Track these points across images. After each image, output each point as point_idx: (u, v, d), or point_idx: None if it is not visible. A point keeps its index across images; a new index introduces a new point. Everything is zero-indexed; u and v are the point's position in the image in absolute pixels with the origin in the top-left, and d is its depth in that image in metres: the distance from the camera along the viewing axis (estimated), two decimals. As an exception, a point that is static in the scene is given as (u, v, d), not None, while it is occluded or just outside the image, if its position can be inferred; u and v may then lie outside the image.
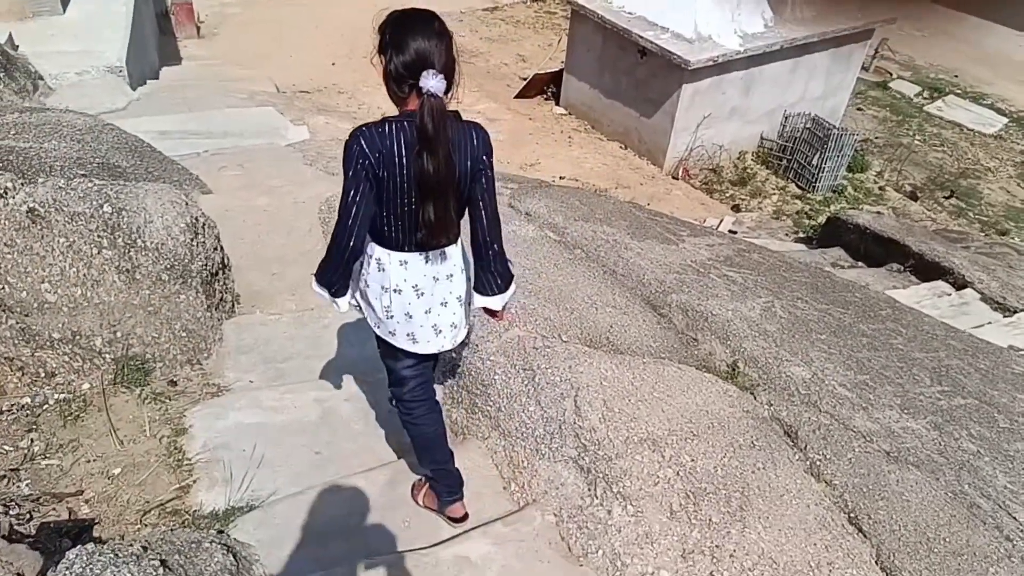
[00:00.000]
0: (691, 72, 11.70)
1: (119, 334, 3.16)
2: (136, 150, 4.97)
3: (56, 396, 2.98)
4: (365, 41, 15.42)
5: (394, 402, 2.52)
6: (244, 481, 2.78)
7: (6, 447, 2.74)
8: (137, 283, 3.29)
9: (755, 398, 3.83)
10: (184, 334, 3.35)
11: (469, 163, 2.07)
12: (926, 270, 7.49)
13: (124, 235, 3.35)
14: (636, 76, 12.70)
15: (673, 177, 12.56)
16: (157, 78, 12.26)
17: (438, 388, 3.19)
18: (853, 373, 4.58)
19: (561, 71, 14.11)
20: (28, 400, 2.93)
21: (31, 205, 3.15)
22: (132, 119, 8.72)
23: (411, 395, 2.44)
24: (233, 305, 4.04)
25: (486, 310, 2.36)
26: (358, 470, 2.84)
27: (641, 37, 12.16)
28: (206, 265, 3.66)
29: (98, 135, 4.78)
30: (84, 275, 3.16)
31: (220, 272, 3.94)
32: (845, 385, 4.43)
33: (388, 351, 2.38)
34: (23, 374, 2.97)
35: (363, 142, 1.98)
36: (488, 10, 17.47)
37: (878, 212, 11.24)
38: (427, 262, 2.17)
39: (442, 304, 2.26)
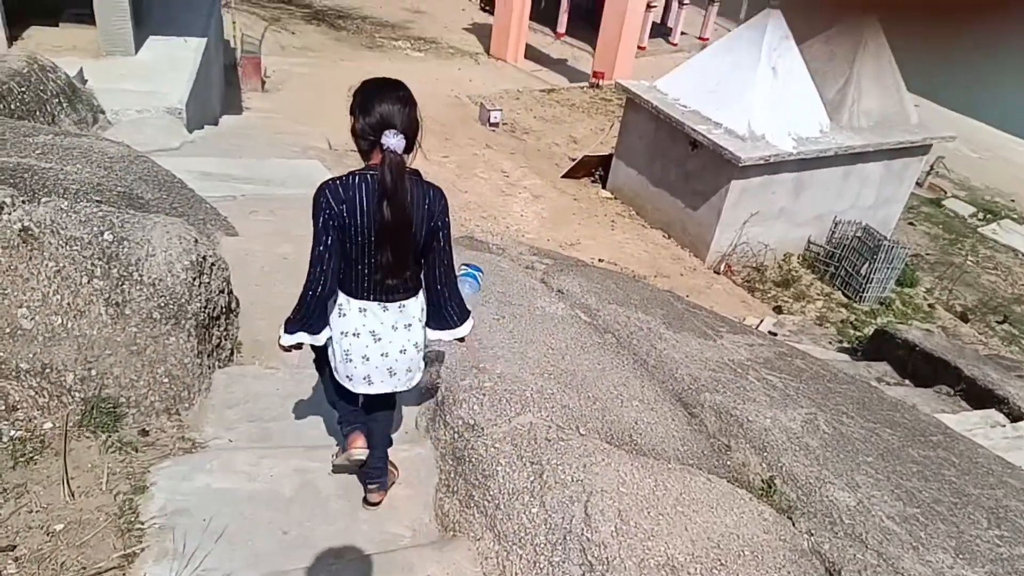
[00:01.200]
0: (741, 169, 11.48)
1: (94, 372, 2.85)
2: (164, 184, 4.79)
3: (12, 433, 2.66)
4: (423, 111, 15.59)
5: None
6: (196, 557, 2.39)
7: (-58, 486, 2.41)
8: (125, 319, 3.00)
9: (793, 524, 3.34)
10: (166, 379, 3.03)
11: (425, 217, 2.26)
12: (978, 396, 6.91)
13: (120, 266, 3.08)
14: (686, 167, 12.52)
15: (715, 271, 12.19)
16: (216, 124, 12.44)
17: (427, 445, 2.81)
18: (902, 504, 4.06)
19: (611, 155, 14.02)
20: (-20, 435, 2.61)
21: (26, 224, 2.91)
22: (179, 158, 8.73)
23: (348, 428, 2.65)
24: (232, 353, 3.73)
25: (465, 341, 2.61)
26: (328, 560, 2.43)
27: (694, 130, 12.04)
28: (205, 308, 3.36)
29: (128, 165, 4.63)
30: (68, 304, 2.88)
31: (223, 317, 3.65)
32: (894, 518, 3.91)
33: (340, 392, 2.61)
34: (-20, 405, 2.66)
35: (328, 194, 2.18)
36: (545, 91, 17.65)
37: (927, 330, 10.67)
38: (385, 311, 2.37)
39: (400, 351, 2.46)
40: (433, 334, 2.56)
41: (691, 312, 6.45)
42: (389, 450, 2.77)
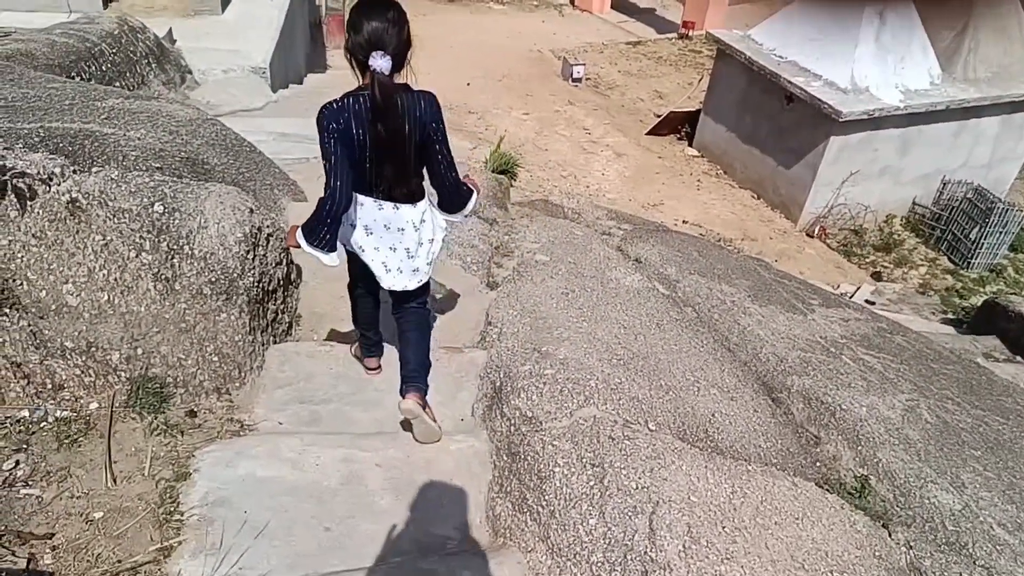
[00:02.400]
0: (841, 124, 10.62)
1: (140, 351, 2.73)
2: (232, 148, 4.67)
3: (58, 413, 2.57)
4: (502, 65, 15.35)
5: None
6: (233, 553, 2.24)
7: (-13, 467, 2.34)
8: (174, 294, 2.86)
9: (889, 535, 2.96)
10: (216, 358, 2.89)
11: (416, 126, 2.38)
12: (1107, 380, 6.16)
13: (170, 239, 2.93)
14: (779, 123, 11.71)
15: (808, 234, 11.44)
16: (301, 83, 12.42)
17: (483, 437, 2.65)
18: (1015, 508, 3.60)
19: (698, 111, 13.29)
20: (26, 413, 2.54)
21: (74, 195, 2.79)
22: (259, 119, 8.70)
23: (356, 286, 2.96)
24: (291, 327, 3.59)
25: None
26: (369, 562, 2.25)
27: (790, 83, 11.20)
28: (259, 282, 3.20)
29: (195, 128, 4.51)
30: (115, 279, 2.76)
31: (280, 289, 3.49)
32: (1005, 525, 3.46)
33: (357, 315, 3.02)
34: (28, 383, 2.58)
35: (327, 113, 2.32)
36: (631, 44, 16.87)
37: (1045, 301, 9.70)
38: (379, 209, 2.55)
39: (391, 249, 2.65)
40: (449, 217, 2.78)
41: (780, 282, 5.96)
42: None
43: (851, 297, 9.32)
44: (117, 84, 8.67)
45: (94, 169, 3.00)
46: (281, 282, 3.50)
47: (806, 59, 11.56)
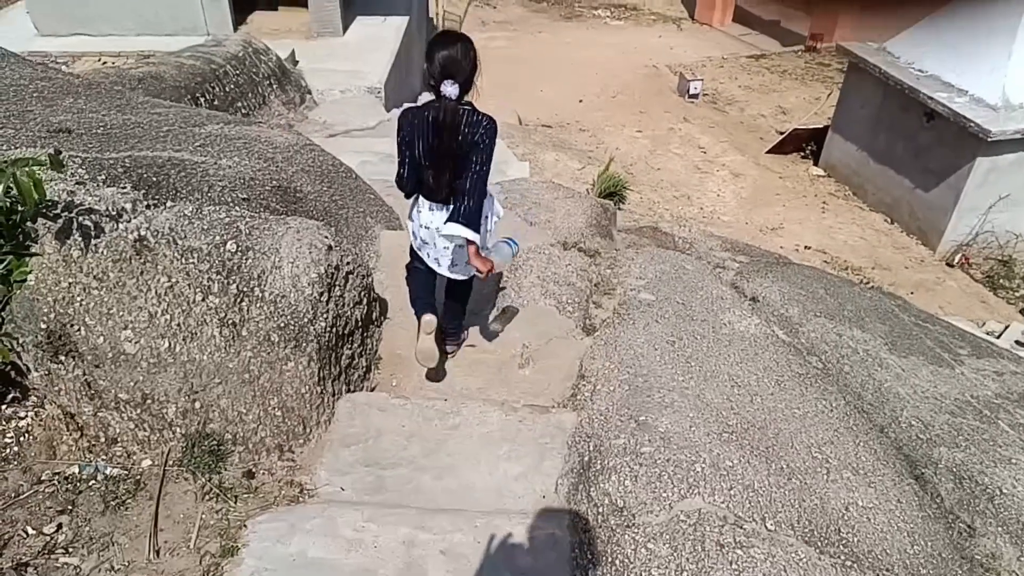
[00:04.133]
0: (990, 144, 9.47)
1: (199, 404, 2.49)
2: (327, 175, 4.48)
3: (108, 470, 2.36)
4: (616, 81, 14.85)
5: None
6: (270, 656, 1.93)
7: (30, 529, 2.14)
8: (239, 341, 2.62)
9: None
10: (279, 412, 2.62)
11: (468, 138, 2.64)
12: None
13: (240, 280, 2.70)
14: (918, 142, 10.60)
15: (948, 264, 10.26)
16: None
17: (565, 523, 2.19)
18: None
19: (825, 128, 12.28)
20: (76, 470, 2.34)
21: (143, 233, 2.60)
22: (370, 138, 8.65)
23: (414, 265, 3.30)
24: (368, 371, 3.30)
25: (471, 261, 2.80)
26: None
27: (931, 99, 10.11)
28: (333, 326, 2.92)
29: (292, 155, 4.35)
30: (178, 325, 2.54)
31: (358, 331, 3.21)
32: None
33: (413, 293, 3.31)
34: (81, 435, 2.39)
35: (403, 116, 2.74)
36: (753, 57, 15.95)
37: None
38: (431, 210, 2.89)
39: (434, 246, 2.99)
40: (448, 230, 2.79)
41: (922, 327, 5.19)
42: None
43: (999, 337, 8.20)
44: (239, 104, 8.87)
45: (169, 204, 2.82)
46: (360, 323, 3.22)
47: (949, 73, 10.43)
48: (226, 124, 4.44)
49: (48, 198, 2.46)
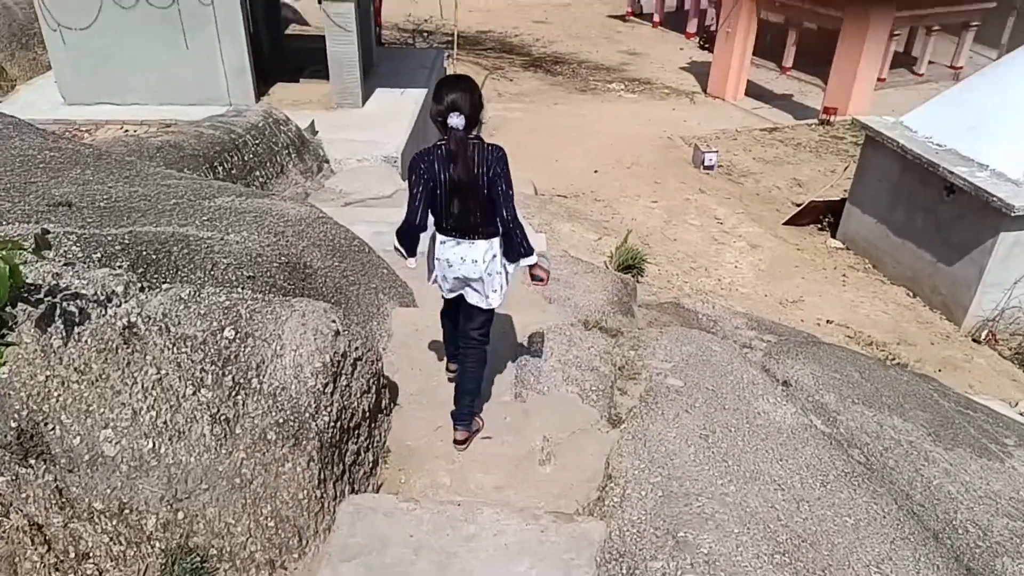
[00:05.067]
0: (1014, 219, 9.23)
1: (182, 515, 2.20)
2: (339, 249, 4.27)
3: (76, 591, 2.05)
4: (631, 152, 14.84)
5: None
6: None
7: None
8: (233, 440, 2.34)
9: None
10: (272, 523, 2.32)
11: (484, 171, 2.82)
12: None
13: (237, 371, 2.44)
14: (938, 215, 10.37)
15: (974, 340, 9.88)
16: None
17: None
18: None
19: (842, 200, 12.10)
20: (39, 591, 2.03)
21: (132, 319, 2.36)
22: (385, 208, 8.52)
23: (446, 311, 3.41)
24: (375, 466, 3.00)
25: (532, 277, 3.07)
26: None
27: (950, 172, 9.92)
28: (338, 420, 2.64)
29: (304, 229, 4.15)
30: (164, 422, 2.27)
31: (365, 423, 2.92)
32: None
33: (446, 341, 3.57)
34: (49, 550, 2.09)
35: (416, 157, 2.94)
36: (767, 130, 15.94)
37: None
38: (456, 244, 2.99)
39: (466, 277, 3.03)
40: (509, 266, 3.07)
41: (963, 413, 4.83)
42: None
43: (1036, 419, 7.76)
44: (257, 172, 8.81)
45: (165, 286, 2.58)
46: (367, 414, 2.93)
47: (968, 147, 10.27)
48: (238, 196, 4.26)
49: (30, 281, 2.23)
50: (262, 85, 11.39)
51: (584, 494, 2.89)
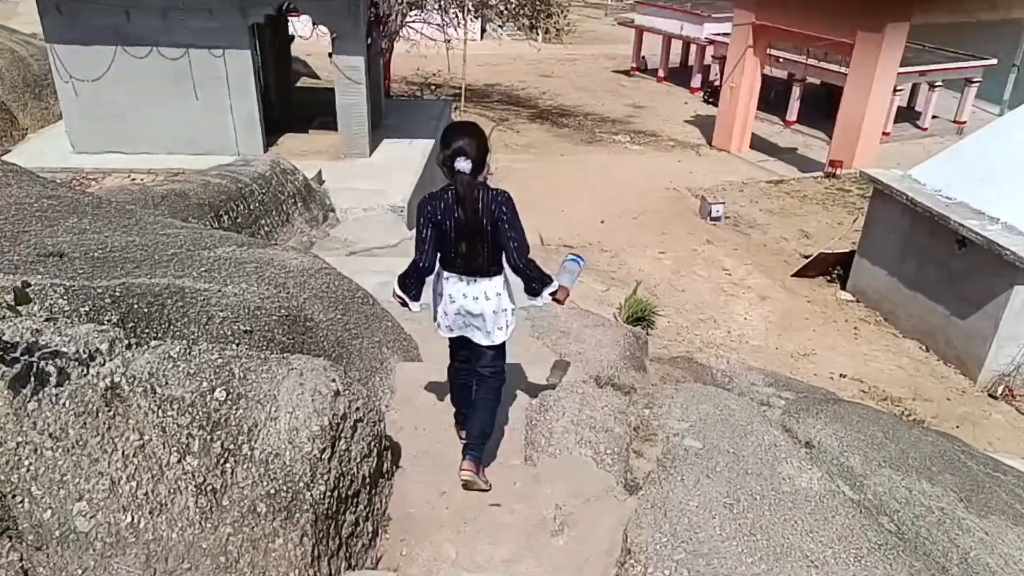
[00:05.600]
0: (1028, 272, 9.05)
1: (159, 598, 1.98)
2: (342, 301, 4.11)
3: None
4: (637, 203, 14.82)
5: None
6: None
7: None
8: (219, 513, 2.13)
9: None
10: (259, 606, 2.09)
11: (488, 213, 2.84)
12: None
13: (227, 436, 2.25)
14: (950, 268, 10.21)
15: (991, 395, 9.61)
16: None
17: None
18: None
19: (851, 252, 11.98)
20: None
21: (116, 379, 2.18)
22: (390, 257, 8.39)
23: (455, 368, 3.36)
24: (374, 538, 2.77)
25: (556, 298, 3.06)
26: None
27: (962, 225, 9.80)
28: (335, 488, 2.44)
29: (305, 280, 4.00)
30: (145, 494, 2.07)
31: (365, 490, 2.71)
32: None
33: (452, 395, 3.47)
34: (8, 641, 1.87)
35: (424, 200, 2.92)
36: (773, 183, 15.94)
37: None
38: (461, 281, 2.99)
39: (469, 313, 3.03)
40: (527, 301, 3.10)
41: (992, 477, 4.58)
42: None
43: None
44: (263, 221, 8.72)
45: (153, 343, 2.41)
46: (367, 480, 2.72)
47: (978, 200, 10.18)
48: (239, 247, 4.12)
49: (7, 339, 2.06)
50: (271, 135, 11.43)
51: (601, 571, 2.65)
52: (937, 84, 18.69)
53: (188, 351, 2.40)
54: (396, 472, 3.14)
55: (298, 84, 16.55)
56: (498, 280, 2.99)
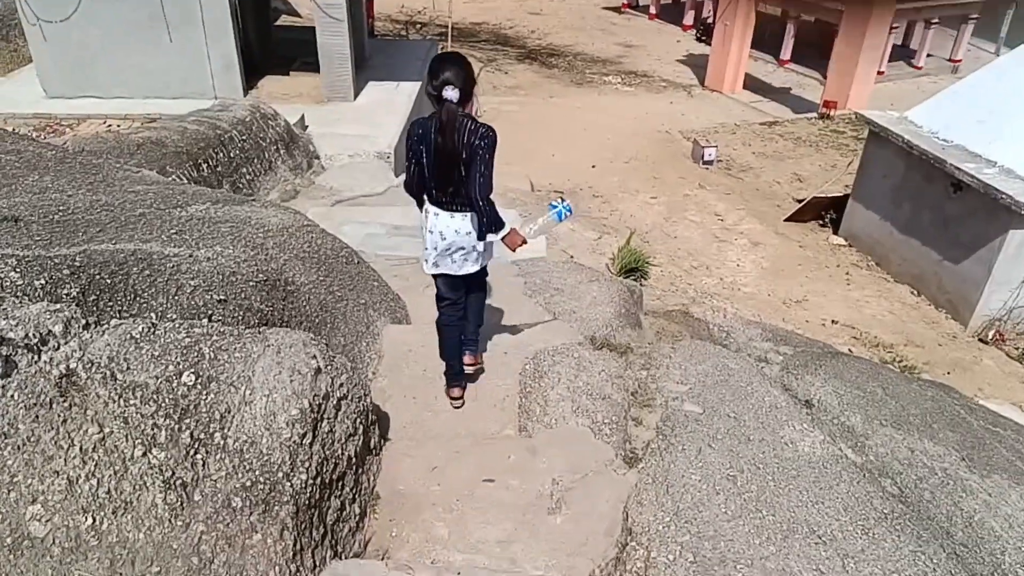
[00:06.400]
0: (1023, 216, 8.87)
1: (127, 605, 1.81)
2: (326, 261, 3.86)
3: None
4: (629, 146, 14.42)
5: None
6: None
7: None
8: (190, 509, 1.95)
9: None
10: (238, 608, 1.93)
11: (469, 144, 2.89)
12: None
13: (197, 425, 2.05)
14: (944, 212, 10.02)
15: (981, 340, 9.55)
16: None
17: None
18: None
19: (844, 196, 11.74)
20: None
21: (72, 365, 1.96)
22: (377, 208, 8.10)
23: (443, 307, 3.34)
24: (362, 519, 2.61)
25: (505, 242, 3.14)
26: None
27: (958, 168, 9.56)
28: (318, 475, 2.26)
29: (286, 239, 3.74)
30: (107, 492, 1.88)
31: (351, 471, 2.54)
32: None
33: (434, 280, 3.34)
34: (-39, 655, 1.70)
35: (413, 124, 3.03)
36: (766, 124, 15.55)
37: None
38: (450, 216, 3.07)
39: (459, 247, 3.12)
40: (488, 239, 3.16)
41: (992, 432, 4.48)
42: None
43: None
44: (244, 170, 8.36)
45: (114, 322, 2.18)
46: (353, 460, 2.55)
47: (976, 143, 9.90)
48: (213, 204, 3.85)
49: (-58, 325, 1.83)
50: (251, 78, 10.92)
51: (600, 551, 2.51)
52: (933, 21, 18.12)
53: (152, 330, 2.18)
54: (384, 446, 2.97)
55: (278, 22, 15.84)
56: (471, 214, 3.05)
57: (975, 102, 10.28)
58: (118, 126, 9.34)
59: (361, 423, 2.64)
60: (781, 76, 18.54)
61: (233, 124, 8.46)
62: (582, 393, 3.30)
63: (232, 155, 8.27)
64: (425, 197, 3.09)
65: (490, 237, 3.11)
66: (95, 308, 2.47)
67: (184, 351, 2.16)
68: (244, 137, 8.56)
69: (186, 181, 6.88)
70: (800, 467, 3.20)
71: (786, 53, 18.69)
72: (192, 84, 10.14)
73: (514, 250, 3.17)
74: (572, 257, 6.98)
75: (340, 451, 2.44)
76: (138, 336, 2.14)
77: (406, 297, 4.36)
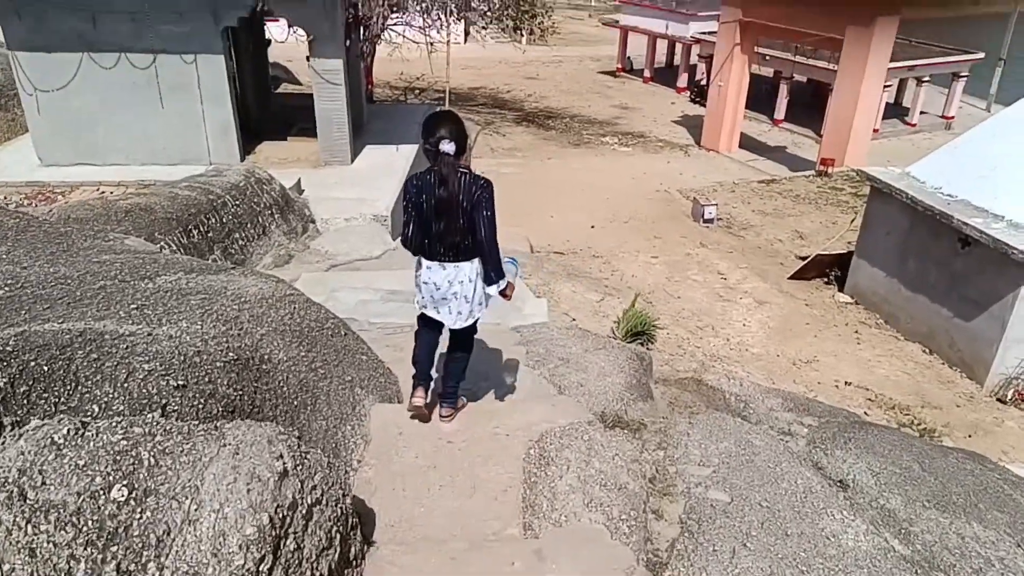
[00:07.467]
0: (1036, 271, 8.55)
1: None
2: (308, 335, 3.49)
3: None
4: (628, 206, 14.26)
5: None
6: None
7: None
8: (111, 665, 1.52)
9: None
10: None
11: (467, 196, 2.95)
12: None
13: (127, 553, 1.64)
14: (952, 268, 9.70)
15: (1000, 400, 9.09)
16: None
17: None
18: None
19: (848, 253, 11.45)
20: None
21: (-29, 483, 1.56)
22: (372, 272, 7.77)
23: (422, 326, 3.33)
24: (338, 651, 2.15)
25: (501, 294, 3.21)
26: None
27: (965, 224, 9.28)
28: (280, 606, 1.82)
29: (264, 312, 3.38)
30: (0, 650, 1.45)
31: (326, 591, 2.10)
32: None
33: (418, 319, 3.36)
34: None
35: (409, 180, 3.08)
36: (764, 182, 15.41)
37: None
38: (444, 269, 3.10)
39: (454, 295, 3.14)
40: (487, 289, 3.19)
41: (1041, 511, 4.02)
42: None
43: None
44: (236, 235, 8.05)
45: (33, 423, 1.79)
46: (330, 570, 2.11)
47: (981, 198, 9.67)
48: (187, 273, 3.49)
49: None
50: (249, 143, 10.76)
51: None
52: (925, 79, 18.24)
53: (80, 433, 1.79)
54: (368, 554, 2.53)
55: (279, 90, 15.87)
56: (475, 264, 3.09)
57: (976, 157, 10.10)
58: (111, 192, 9.10)
59: (338, 532, 2.22)
60: (776, 135, 18.56)
61: (226, 189, 8.20)
62: (595, 483, 2.88)
63: (224, 220, 7.97)
64: (420, 254, 3.12)
65: (490, 290, 3.14)
66: (25, 402, 2.09)
67: (117, 458, 1.77)
68: (237, 202, 8.29)
69: (175, 248, 6.57)
70: (847, 567, 2.76)
71: (780, 112, 18.76)
72: (188, 150, 9.96)
73: (509, 299, 3.25)
74: (575, 320, 6.61)
75: (310, 571, 2.01)
76: (61, 441, 1.75)
77: (398, 370, 3.97)
